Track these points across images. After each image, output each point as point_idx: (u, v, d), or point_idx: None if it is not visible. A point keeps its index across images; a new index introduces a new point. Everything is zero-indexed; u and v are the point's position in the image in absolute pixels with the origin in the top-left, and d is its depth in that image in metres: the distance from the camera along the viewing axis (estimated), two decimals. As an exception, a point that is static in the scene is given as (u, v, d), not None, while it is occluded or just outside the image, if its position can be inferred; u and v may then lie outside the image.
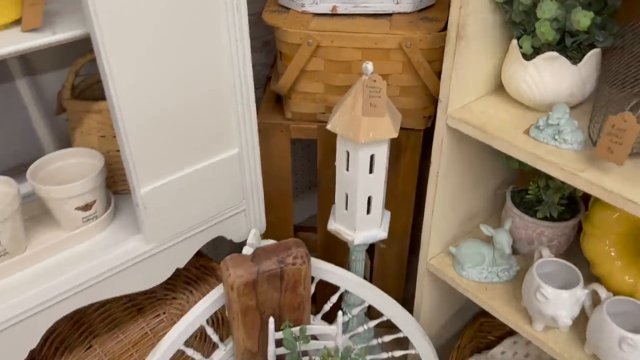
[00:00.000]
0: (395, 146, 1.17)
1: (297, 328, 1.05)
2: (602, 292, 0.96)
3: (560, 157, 0.86)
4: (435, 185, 1.06)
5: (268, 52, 1.44)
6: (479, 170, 1.14)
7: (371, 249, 1.33)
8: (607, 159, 0.79)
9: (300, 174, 1.80)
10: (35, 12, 0.77)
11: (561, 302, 0.95)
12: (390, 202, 1.19)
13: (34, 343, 0.92)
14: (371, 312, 1.28)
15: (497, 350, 1.22)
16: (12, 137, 1.06)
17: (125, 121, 0.87)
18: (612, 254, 1.00)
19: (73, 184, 0.93)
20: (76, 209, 0.95)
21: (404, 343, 1.27)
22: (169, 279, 1.41)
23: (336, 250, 1.37)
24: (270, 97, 1.27)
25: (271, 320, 1.05)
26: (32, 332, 0.91)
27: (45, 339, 1.24)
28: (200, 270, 1.38)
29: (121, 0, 0.79)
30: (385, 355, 1.25)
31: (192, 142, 0.96)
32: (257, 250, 1.03)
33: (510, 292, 1.10)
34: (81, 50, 1.01)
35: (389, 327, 1.20)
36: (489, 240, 1.12)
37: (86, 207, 0.96)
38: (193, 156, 0.98)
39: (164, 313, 1.39)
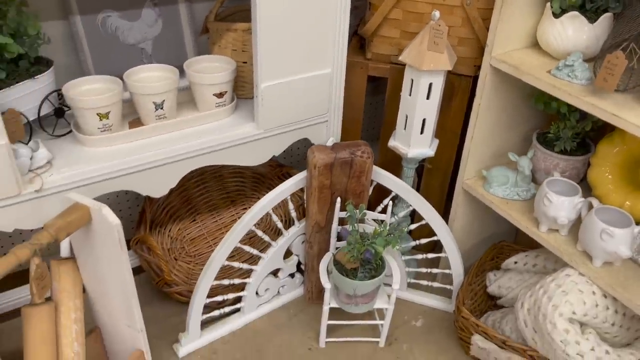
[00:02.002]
0: (449, 89, 1.49)
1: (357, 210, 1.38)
2: (595, 202, 1.25)
3: (570, 88, 1.16)
4: (476, 115, 1.38)
5: (356, 15, 1.80)
6: (514, 113, 1.45)
7: (419, 175, 1.66)
8: (602, 86, 1.09)
9: (364, 126, 2.14)
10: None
11: (561, 206, 1.24)
12: (439, 135, 1.51)
13: (173, 183, 1.31)
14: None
15: (510, 260, 1.50)
16: (169, 46, 1.46)
17: (262, 34, 1.23)
18: (609, 177, 1.29)
19: (214, 74, 1.31)
20: (213, 94, 1.34)
21: (437, 248, 1.58)
22: (256, 183, 1.79)
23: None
24: (355, 45, 1.62)
25: (338, 199, 1.40)
26: (173, 174, 1.30)
27: (163, 208, 1.64)
28: (280, 179, 1.73)
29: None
30: (420, 256, 1.57)
31: (300, 57, 1.32)
32: (335, 144, 1.38)
33: (525, 207, 1.39)
34: (227, -14, 1.40)
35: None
36: (514, 168, 1.42)
37: (220, 95, 1.34)
38: (299, 67, 1.33)
39: (249, 207, 1.76)
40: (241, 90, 1.46)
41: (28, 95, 1.18)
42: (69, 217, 1.05)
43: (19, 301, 1.49)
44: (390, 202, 1.44)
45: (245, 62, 1.41)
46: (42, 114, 1.21)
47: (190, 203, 1.69)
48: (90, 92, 1.23)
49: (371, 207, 1.54)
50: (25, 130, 1.17)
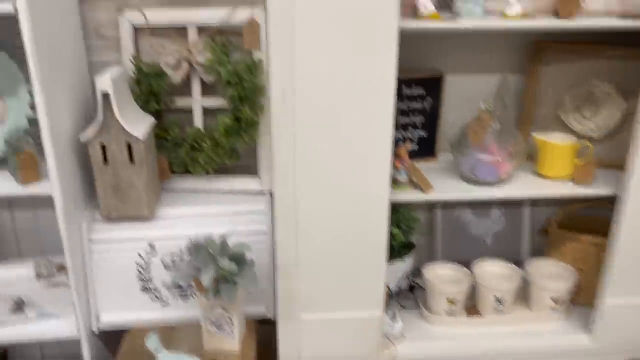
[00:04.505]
0: None
1: None
2: None
3: None
4: None
5: None
6: None
7: None
8: None
9: None
10: (587, 173, 1.26)
11: None
12: None
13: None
14: None
15: None
16: (507, 241, 1.59)
17: (620, 251, 1.27)
18: None
19: (558, 282, 1.37)
20: (550, 297, 1.39)
21: None
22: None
23: None
24: None
25: None
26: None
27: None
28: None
29: None
30: None
31: None
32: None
33: None
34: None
35: None
36: None
37: (556, 301, 1.39)
38: None
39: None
40: (575, 296, 1.48)
41: (395, 272, 1.42)
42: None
43: None
44: None
45: (582, 269, 1.43)
46: (401, 288, 1.43)
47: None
48: (443, 277, 1.41)
49: None
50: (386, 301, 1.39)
